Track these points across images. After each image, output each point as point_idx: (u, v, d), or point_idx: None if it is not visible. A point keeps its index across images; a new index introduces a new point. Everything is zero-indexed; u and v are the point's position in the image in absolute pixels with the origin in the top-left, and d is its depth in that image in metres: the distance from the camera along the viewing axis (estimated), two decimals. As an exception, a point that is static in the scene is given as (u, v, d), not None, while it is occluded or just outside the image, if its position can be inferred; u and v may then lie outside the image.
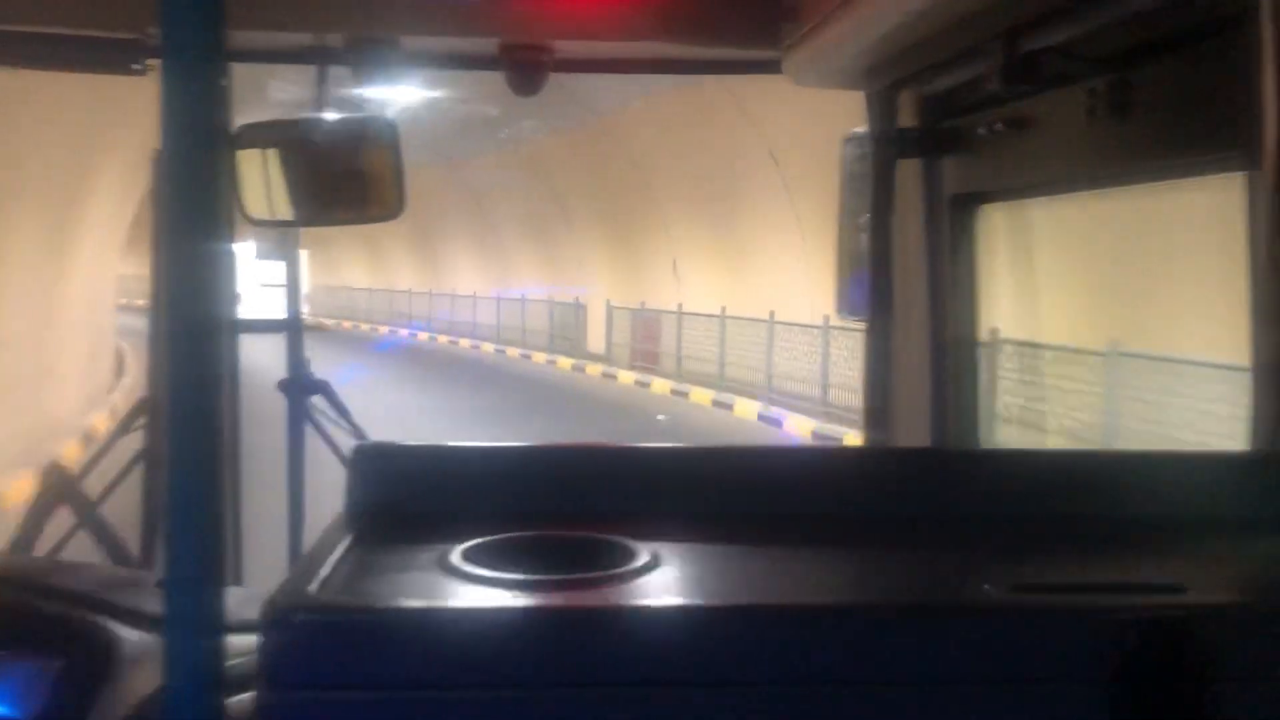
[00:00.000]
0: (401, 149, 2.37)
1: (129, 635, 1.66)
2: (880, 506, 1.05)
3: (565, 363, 25.22)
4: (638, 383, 21.61)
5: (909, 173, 2.20)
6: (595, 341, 25.33)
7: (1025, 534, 1.01)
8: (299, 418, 3.67)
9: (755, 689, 0.76)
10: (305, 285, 32.32)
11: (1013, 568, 0.92)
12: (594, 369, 23.69)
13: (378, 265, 41.00)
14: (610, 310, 24.44)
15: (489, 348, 29.95)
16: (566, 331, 26.87)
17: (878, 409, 2.32)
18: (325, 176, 2.45)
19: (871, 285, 2.30)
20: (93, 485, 3.11)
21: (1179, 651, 0.75)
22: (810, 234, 15.75)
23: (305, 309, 31.96)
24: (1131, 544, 0.99)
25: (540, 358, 26.70)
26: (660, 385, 20.58)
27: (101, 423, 14.16)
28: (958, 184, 2.09)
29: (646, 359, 22.57)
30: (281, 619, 0.83)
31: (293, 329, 4.04)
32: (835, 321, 15.03)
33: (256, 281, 27.92)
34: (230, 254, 2.11)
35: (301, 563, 0.94)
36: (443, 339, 33.10)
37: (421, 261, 37.04)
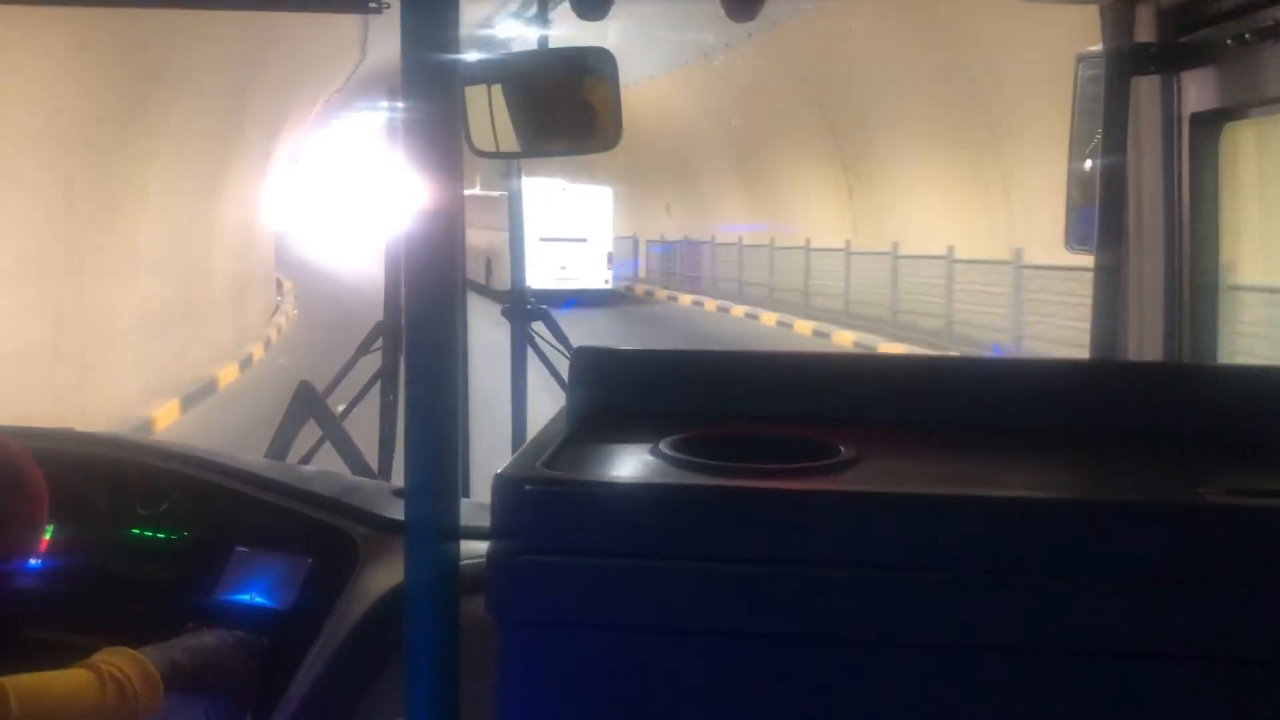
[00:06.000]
0: (618, 79, 2.41)
1: (369, 537, 1.80)
2: (1104, 418, 1.04)
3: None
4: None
5: (1146, 92, 2.07)
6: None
7: (1255, 448, 0.98)
8: (522, 341, 3.84)
9: (954, 577, 0.78)
10: (608, 236, 24.22)
11: (1234, 476, 0.89)
12: None
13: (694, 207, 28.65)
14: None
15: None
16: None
17: (1106, 349, 2.22)
18: (546, 108, 2.51)
19: (1101, 215, 2.18)
20: (336, 401, 3.36)
21: None
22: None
23: (607, 272, 23.98)
24: None
25: None
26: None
27: (273, 333, 16.93)
28: (1200, 102, 1.96)
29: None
30: (509, 488, 0.90)
31: (516, 255, 4.19)
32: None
33: (534, 235, 21.29)
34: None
35: (527, 446, 1.01)
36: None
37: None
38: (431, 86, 0.89)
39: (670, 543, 0.85)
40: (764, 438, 1.01)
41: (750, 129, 22.59)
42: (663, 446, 0.98)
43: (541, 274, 21.75)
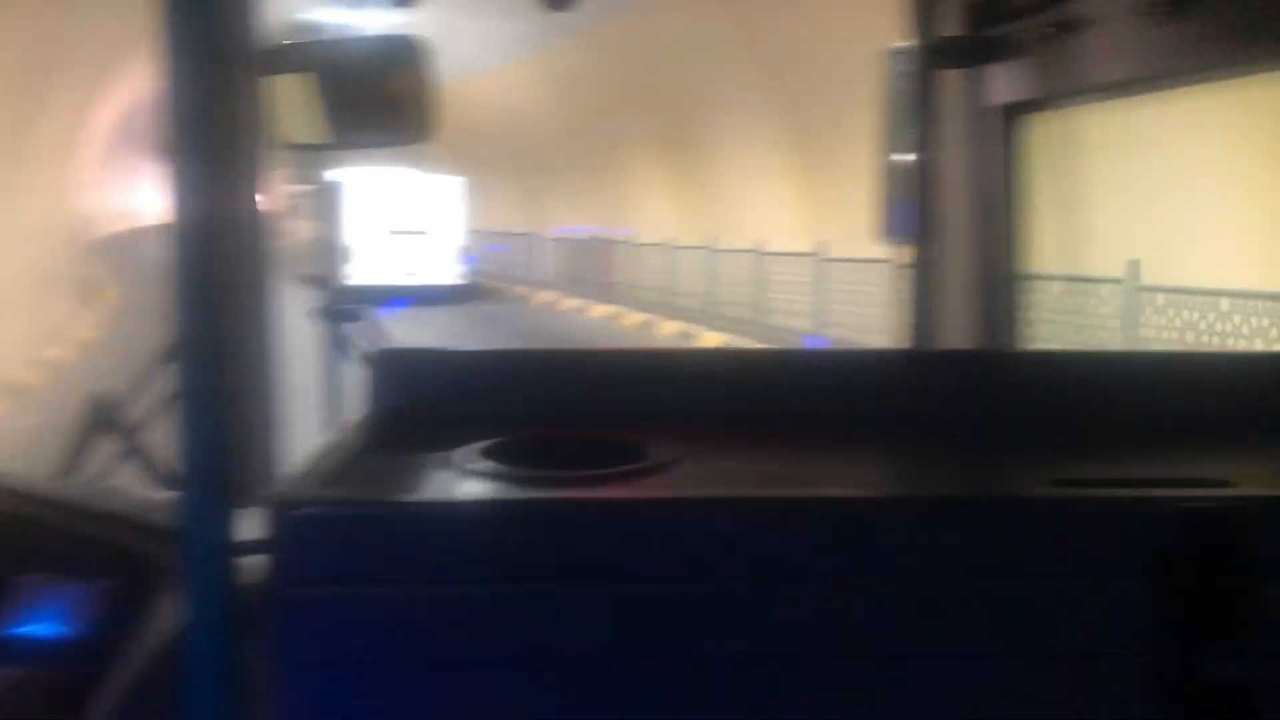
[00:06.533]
0: (432, 68, 2.33)
1: (173, 556, 1.68)
2: (923, 409, 1.02)
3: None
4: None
5: (954, 85, 2.13)
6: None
7: (1073, 433, 0.98)
8: (335, 345, 3.70)
9: (769, 584, 0.74)
10: (460, 229, 22.71)
11: (1057, 465, 0.89)
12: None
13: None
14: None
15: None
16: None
17: (922, 335, 2.28)
18: (357, 98, 2.42)
19: (914, 206, 2.24)
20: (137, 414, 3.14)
21: (1222, 543, 0.72)
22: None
23: (460, 267, 21.81)
24: (1180, 442, 0.96)
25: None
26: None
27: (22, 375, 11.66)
28: (1006, 94, 2.02)
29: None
30: (286, 514, 0.81)
31: (326, 257, 4.05)
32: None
33: (384, 227, 21.00)
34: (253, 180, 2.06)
35: (313, 461, 0.93)
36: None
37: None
38: (204, 68, 0.80)
39: (468, 564, 0.78)
40: (575, 442, 0.95)
41: (681, 106, 17.80)
42: (464, 456, 0.91)
43: (390, 269, 20.58)
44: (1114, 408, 1.01)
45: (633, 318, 19.46)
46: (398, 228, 21.57)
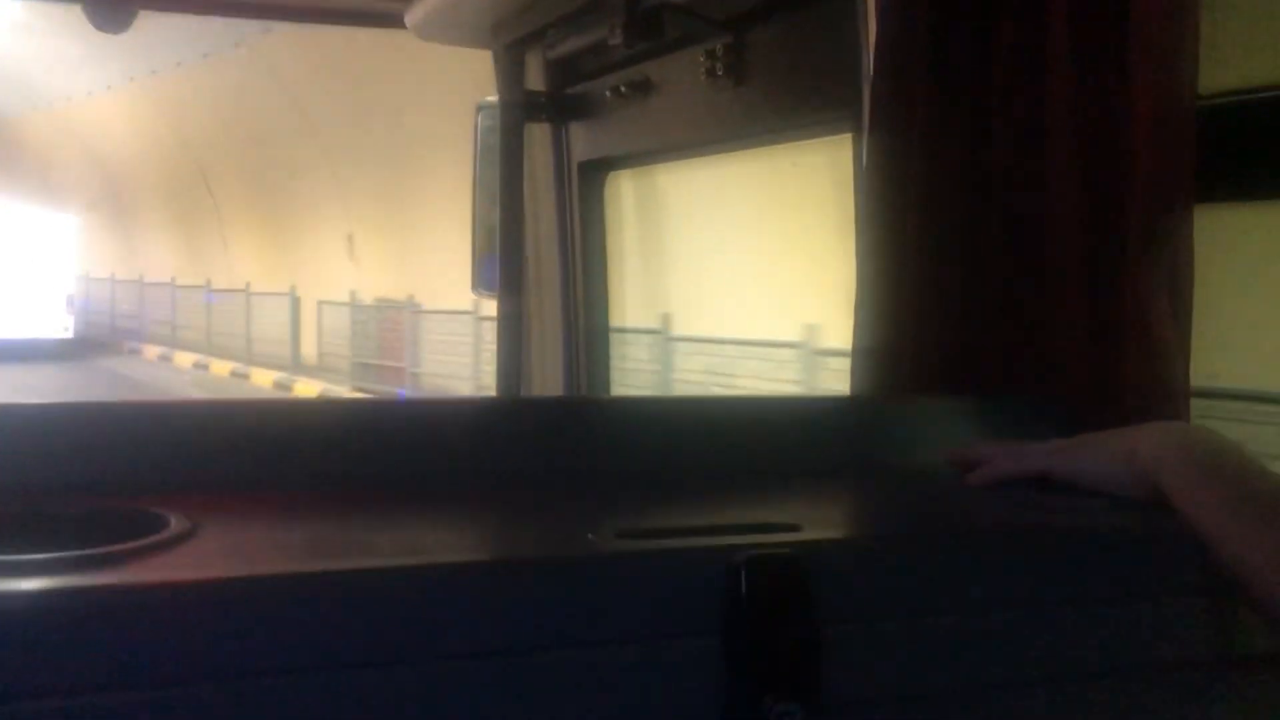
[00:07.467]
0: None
1: None
2: (489, 462, 0.95)
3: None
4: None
5: (539, 140, 2.15)
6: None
7: (652, 481, 0.95)
8: None
9: (301, 675, 0.63)
10: (68, 275, 20.63)
11: (625, 516, 0.85)
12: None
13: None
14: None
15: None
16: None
17: (511, 385, 2.26)
18: None
19: (502, 260, 2.23)
20: None
21: (791, 589, 0.71)
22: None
23: (68, 319, 19.91)
24: (754, 485, 0.96)
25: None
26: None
27: None
28: (586, 150, 2.06)
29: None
30: None
31: None
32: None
33: None
34: None
35: None
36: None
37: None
38: None
39: None
40: (72, 514, 0.78)
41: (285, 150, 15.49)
42: None
43: None
44: (693, 453, 1.00)
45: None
46: None
